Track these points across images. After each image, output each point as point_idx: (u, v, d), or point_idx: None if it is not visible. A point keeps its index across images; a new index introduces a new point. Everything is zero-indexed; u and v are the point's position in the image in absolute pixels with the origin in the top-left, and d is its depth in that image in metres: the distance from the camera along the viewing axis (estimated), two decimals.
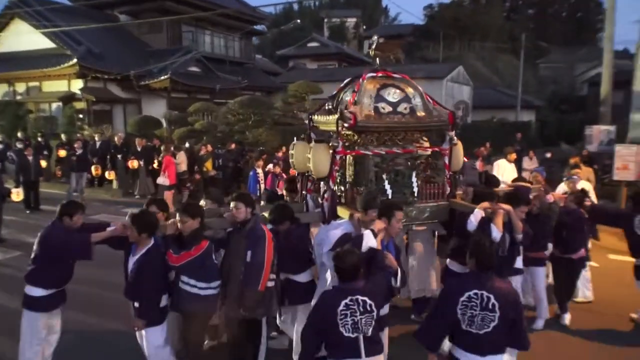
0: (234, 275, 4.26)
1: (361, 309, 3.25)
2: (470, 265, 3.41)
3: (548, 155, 13.96)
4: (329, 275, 4.23)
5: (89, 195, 14.29)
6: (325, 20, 44.70)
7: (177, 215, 4.24)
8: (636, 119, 13.89)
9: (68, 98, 19.84)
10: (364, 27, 48.47)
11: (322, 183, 5.36)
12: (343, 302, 3.24)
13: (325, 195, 5.03)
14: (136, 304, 4.13)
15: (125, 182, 15.12)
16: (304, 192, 5.67)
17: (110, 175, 14.91)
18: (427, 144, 5.52)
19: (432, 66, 28.44)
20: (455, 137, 5.57)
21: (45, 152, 15.51)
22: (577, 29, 47.98)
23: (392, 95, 5.21)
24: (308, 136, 5.59)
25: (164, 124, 17.18)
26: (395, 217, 4.17)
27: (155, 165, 14.07)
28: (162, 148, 14.06)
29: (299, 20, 44.41)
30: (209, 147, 14.71)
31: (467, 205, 5.22)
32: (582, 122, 28.60)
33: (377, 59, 5.54)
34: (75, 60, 18.53)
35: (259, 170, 11.40)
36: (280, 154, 13.11)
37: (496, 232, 4.49)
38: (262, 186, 11.32)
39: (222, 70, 23.60)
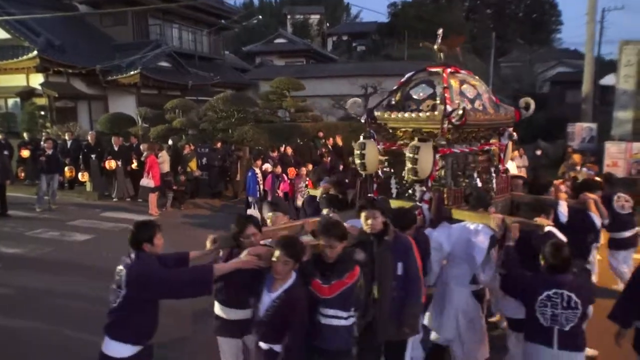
0: (383, 294, 3.71)
1: (565, 304, 3.32)
2: None
3: (538, 152, 13.99)
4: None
5: (61, 199, 13.20)
6: (288, 16, 44.01)
7: (321, 238, 3.53)
8: (619, 116, 14.16)
9: (27, 93, 18.37)
10: (327, 24, 48.11)
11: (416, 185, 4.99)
12: (546, 293, 3.36)
13: (425, 198, 4.63)
14: (276, 348, 3.36)
15: (101, 184, 14.06)
16: (368, 194, 5.13)
17: (83, 176, 13.78)
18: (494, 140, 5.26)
19: (404, 64, 28.29)
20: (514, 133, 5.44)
21: (6, 152, 14.21)
22: (533, 29, 49.38)
23: (469, 92, 5.01)
24: (369, 134, 5.14)
25: (139, 122, 16.11)
26: None
27: (135, 165, 13.14)
28: (141, 147, 13.14)
29: (260, 17, 43.59)
30: (192, 146, 13.90)
31: (525, 196, 5.43)
32: (548, 120, 29.36)
33: (442, 54, 5.24)
34: (35, 52, 17.12)
35: (258, 171, 10.77)
36: (275, 154, 12.49)
37: (597, 219, 4.76)
38: (262, 187, 10.72)
39: (191, 66, 22.61)
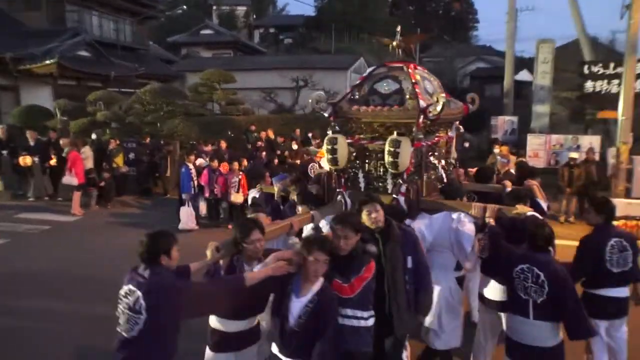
0: (398, 289, 3.65)
1: (534, 280, 3.53)
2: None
3: (467, 144, 14.53)
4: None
5: None
6: (214, 7, 42.84)
7: (336, 228, 3.37)
8: (538, 110, 15.05)
9: None
10: (254, 16, 47.41)
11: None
12: (520, 267, 3.60)
13: (402, 190, 4.61)
14: None
15: (14, 183, 12.99)
16: (338, 189, 5.08)
17: None
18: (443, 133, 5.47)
19: (335, 57, 28.54)
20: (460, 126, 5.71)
21: None
22: (453, 27, 51.44)
23: (429, 88, 5.15)
24: (334, 128, 5.08)
25: (57, 115, 15.05)
26: None
27: (53, 161, 12.27)
28: (61, 142, 12.29)
29: (185, 7, 42.17)
30: (117, 141, 13.18)
31: (474, 184, 5.73)
32: (470, 113, 30.74)
33: (400, 50, 5.32)
34: None
35: (192, 166, 10.39)
36: (208, 148, 12.11)
37: (544, 203, 4.96)
38: (196, 182, 10.36)
39: (113, 56, 21.42)
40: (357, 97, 5.15)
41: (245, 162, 10.86)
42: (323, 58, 27.19)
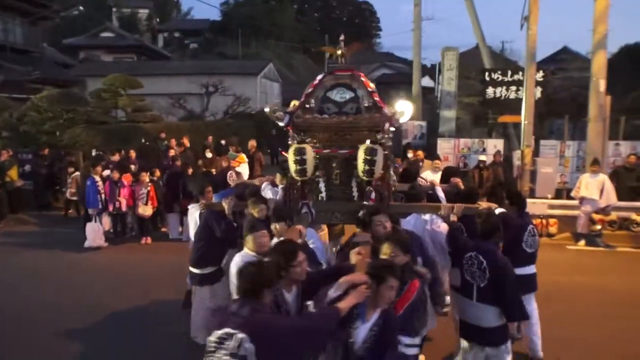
0: None
1: (478, 266, 3.87)
2: None
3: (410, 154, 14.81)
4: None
5: None
6: (114, 9, 40.59)
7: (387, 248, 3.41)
8: (445, 115, 15.78)
9: None
10: (157, 19, 45.62)
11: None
12: (469, 254, 3.94)
13: (372, 197, 4.77)
14: None
15: None
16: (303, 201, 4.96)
17: None
18: None
19: (245, 63, 28.20)
20: None
21: None
22: (356, 34, 52.97)
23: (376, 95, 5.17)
24: (297, 139, 4.93)
25: None
26: None
27: None
28: None
29: (82, 8, 39.57)
30: (10, 152, 11.95)
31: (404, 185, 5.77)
32: None
33: (343, 58, 5.31)
34: None
35: (98, 178, 9.64)
36: (116, 158, 11.32)
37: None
38: (104, 196, 9.61)
39: (2, 59, 19.51)
40: (311, 106, 5.03)
41: (158, 173, 10.30)
42: (232, 63, 26.80)
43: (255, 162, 12.19)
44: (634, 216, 9.73)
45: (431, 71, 34.90)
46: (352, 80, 5.06)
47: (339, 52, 5.29)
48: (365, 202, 4.72)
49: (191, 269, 5.17)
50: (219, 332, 2.50)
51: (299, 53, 45.33)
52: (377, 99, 4.94)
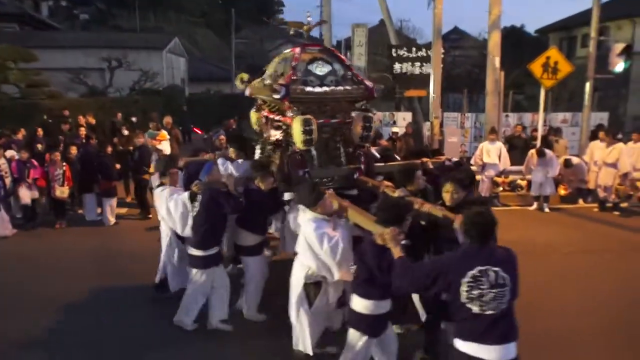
0: None
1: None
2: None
3: None
4: None
5: None
6: None
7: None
8: None
9: None
10: None
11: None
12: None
13: (362, 160, 5.48)
14: None
15: None
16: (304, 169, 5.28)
17: None
18: None
19: (149, 36, 26.88)
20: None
21: None
22: (260, 9, 52.32)
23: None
24: (296, 110, 5.22)
25: None
26: None
27: None
28: None
29: None
30: None
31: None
32: None
33: (308, 34, 5.85)
34: None
35: (3, 161, 8.87)
36: (19, 136, 10.57)
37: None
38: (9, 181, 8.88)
39: None
40: (298, 78, 5.25)
41: (74, 151, 9.78)
42: (135, 37, 25.48)
43: (172, 138, 11.96)
44: (519, 180, 11.06)
45: (337, 48, 35.72)
46: (327, 54, 5.46)
47: (305, 27, 5.63)
48: (358, 166, 5.30)
49: (193, 251, 4.98)
50: (473, 272, 3.01)
51: (201, 27, 43.93)
52: (355, 72, 5.39)
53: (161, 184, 5.50)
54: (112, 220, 9.32)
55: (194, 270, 5.02)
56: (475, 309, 3.01)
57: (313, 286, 4.33)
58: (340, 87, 5.37)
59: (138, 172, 9.43)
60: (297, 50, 5.47)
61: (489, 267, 3.02)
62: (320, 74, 5.39)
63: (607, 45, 15.44)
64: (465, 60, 20.94)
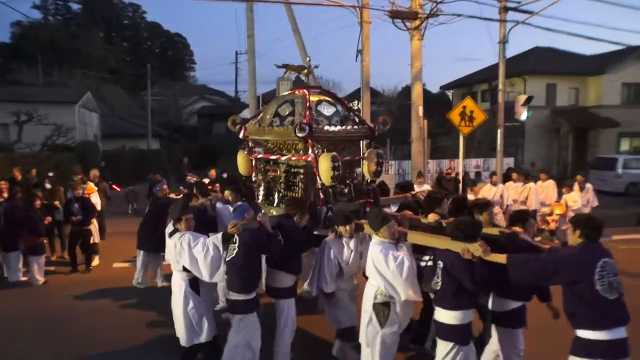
0: None
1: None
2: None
3: (224, 175, 14.99)
4: None
5: None
6: None
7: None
8: None
9: None
10: None
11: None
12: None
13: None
14: None
15: None
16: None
17: None
18: None
19: (61, 91, 25.60)
20: None
21: None
22: (171, 66, 52.11)
23: None
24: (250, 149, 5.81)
25: None
26: None
27: None
28: None
29: None
30: None
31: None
32: (202, 148, 31.58)
33: (307, 77, 6.22)
34: None
35: None
36: None
37: None
38: None
39: None
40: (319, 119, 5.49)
41: None
42: (45, 90, 24.21)
43: (100, 191, 11.36)
44: None
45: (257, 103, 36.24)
46: (329, 96, 5.78)
47: (306, 71, 5.92)
48: (368, 199, 5.54)
49: (235, 296, 4.67)
50: (600, 263, 3.52)
51: (109, 84, 42.68)
52: (356, 113, 5.76)
53: (175, 231, 5.01)
54: (41, 279, 8.54)
55: (238, 317, 4.69)
56: (608, 296, 3.47)
57: (382, 307, 4.41)
58: (348, 127, 5.64)
59: (81, 223, 8.99)
60: (305, 91, 5.66)
61: (608, 259, 3.57)
62: (328, 114, 5.64)
63: (505, 98, 17.20)
64: (382, 114, 22.17)
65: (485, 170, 15.21)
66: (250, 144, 6.17)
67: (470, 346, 4.12)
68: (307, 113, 5.38)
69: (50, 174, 13.95)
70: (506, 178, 12.30)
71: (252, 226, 4.78)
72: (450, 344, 4.03)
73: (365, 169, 5.66)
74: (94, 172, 11.77)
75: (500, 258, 3.81)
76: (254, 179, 6.20)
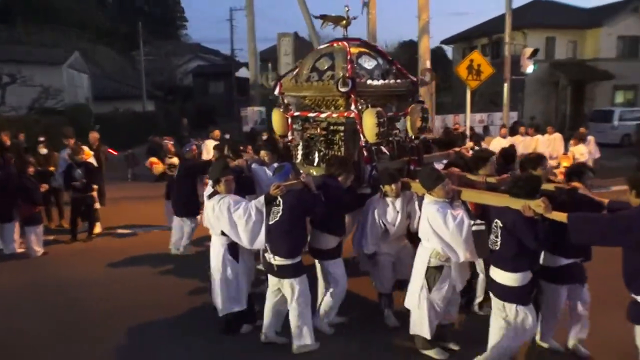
0: None
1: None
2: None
3: (227, 136, 14.83)
4: None
5: None
6: None
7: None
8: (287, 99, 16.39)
9: None
10: None
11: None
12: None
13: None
14: None
15: None
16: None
17: None
18: None
19: (48, 51, 24.90)
20: None
21: None
22: (162, 24, 50.75)
23: None
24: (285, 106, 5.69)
25: None
26: None
27: None
28: None
29: None
30: None
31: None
32: (199, 108, 31.19)
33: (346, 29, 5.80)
34: None
35: None
36: None
37: None
38: None
39: None
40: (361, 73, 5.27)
41: None
42: (33, 51, 23.47)
43: (101, 155, 11.17)
44: None
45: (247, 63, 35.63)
46: (370, 48, 5.51)
47: (343, 22, 5.59)
48: (413, 157, 5.35)
49: (281, 261, 4.49)
50: None
51: (100, 45, 41.67)
52: (399, 66, 5.49)
53: (215, 193, 4.74)
54: (40, 250, 8.03)
55: (288, 282, 4.54)
56: None
57: (435, 270, 4.26)
58: (390, 81, 5.41)
59: (84, 190, 8.59)
60: (345, 44, 5.39)
61: None
62: (369, 67, 5.38)
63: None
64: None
65: (491, 125, 15.12)
66: (285, 100, 5.87)
67: (531, 306, 4.01)
68: (349, 66, 5.09)
69: (42, 139, 13.68)
70: (512, 132, 12.27)
71: (296, 187, 4.61)
72: (513, 305, 3.92)
73: (409, 124, 5.38)
74: (94, 135, 11.40)
75: (562, 217, 3.60)
76: (289, 138, 5.95)
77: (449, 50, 34.30)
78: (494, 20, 27.25)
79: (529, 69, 13.15)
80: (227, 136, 14.45)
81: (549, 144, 11.27)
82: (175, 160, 8.27)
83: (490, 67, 11.70)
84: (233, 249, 4.80)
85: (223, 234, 4.75)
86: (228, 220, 4.56)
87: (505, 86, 13.25)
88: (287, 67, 16.25)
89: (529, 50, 13.16)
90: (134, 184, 14.48)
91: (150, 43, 44.21)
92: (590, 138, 11.81)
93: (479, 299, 5.24)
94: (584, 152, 10.56)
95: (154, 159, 8.21)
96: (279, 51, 16.26)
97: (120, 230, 9.39)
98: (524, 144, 11.10)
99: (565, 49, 26.18)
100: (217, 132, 12.13)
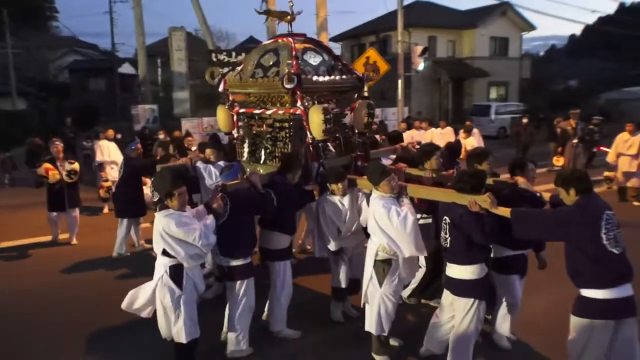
0: None
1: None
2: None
3: (119, 136, 13.86)
4: None
5: None
6: None
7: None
8: (179, 96, 15.75)
9: None
10: None
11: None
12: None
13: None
14: None
15: None
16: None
17: None
18: None
19: None
20: None
21: None
22: (27, 14, 46.06)
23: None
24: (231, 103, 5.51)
25: None
26: None
27: None
28: None
29: None
30: None
31: None
32: (78, 107, 28.82)
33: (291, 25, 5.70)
34: None
35: None
36: None
37: None
38: None
39: None
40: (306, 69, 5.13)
41: None
42: None
43: None
44: None
45: (131, 60, 33.60)
46: (314, 44, 5.41)
47: (288, 18, 5.46)
48: (359, 153, 5.36)
49: (233, 262, 4.38)
50: (605, 215, 3.36)
51: None
52: (345, 62, 5.46)
53: (164, 208, 4.16)
54: None
55: (238, 283, 4.40)
56: (614, 250, 3.33)
57: (383, 264, 4.22)
58: (336, 77, 5.30)
59: None
60: (290, 39, 5.24)
61: (608, 211, 3.41)
62: (314, 63, 5.24)
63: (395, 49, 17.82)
64: None
65: (385, 120, 15.71)
66: (230, 97, 5.66)
67: (484, 303, 4.01)
68: (295, 62, 4.99)
69: None
70: (407, 126, 12.92)
71: (243, 186, 4.48)
72: (470, 300, 3.90)
73: (355, 121, 5.45)
74: None
75: (506, 212, 3.66)
76: (235, 135, 5.74)
77: (337, 48, 35.17)
78: (380, 19, 28.50)
79: (420, 66, 13.92)
80: (119, 136, 13.53)
81: (442, 136, 12.03)
82: (76, 165, 7.60)
83: (386, 64, 12.16)
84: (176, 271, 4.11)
85: (165, 253, 4.09)
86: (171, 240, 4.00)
87: (400, 82, 13.88)
88: (179, 63, 15.63)
89: (419, 49, 13.93)
90: (11, 190, 13.05)
91: (14, 34, 39.97)
92: (476, 130, 12.79)
93: (411, 289, 5.36)
94: (475, 144, 11.39)
95: (48, 165, 7.46)
96: (171, 46, 15.50)
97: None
98: (420, 136, 11.74)
99: (445, 48, 28.23)
100: (110, 132, 11.29)
